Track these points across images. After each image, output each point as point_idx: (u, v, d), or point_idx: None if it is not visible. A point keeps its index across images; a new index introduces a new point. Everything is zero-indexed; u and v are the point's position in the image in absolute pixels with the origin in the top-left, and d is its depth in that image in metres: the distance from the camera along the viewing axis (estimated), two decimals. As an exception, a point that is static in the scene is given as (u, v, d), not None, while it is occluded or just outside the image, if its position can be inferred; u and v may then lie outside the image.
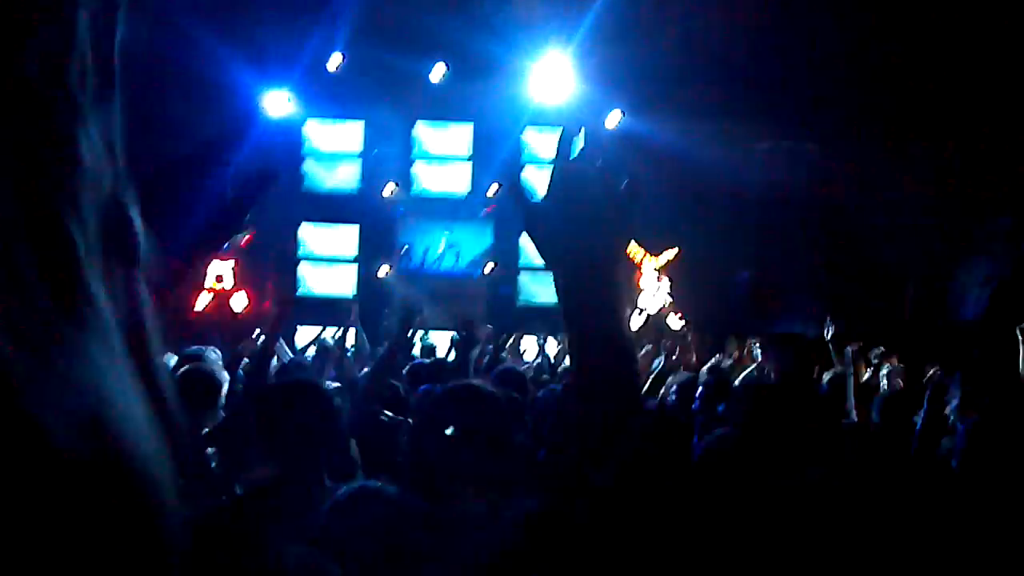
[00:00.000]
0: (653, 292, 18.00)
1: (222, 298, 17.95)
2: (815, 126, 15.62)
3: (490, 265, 18.09)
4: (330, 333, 10.51)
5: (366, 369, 7.14)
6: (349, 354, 9.68)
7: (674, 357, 7.48)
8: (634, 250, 17.90)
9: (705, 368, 7.49)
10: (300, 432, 3.16)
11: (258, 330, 9.19)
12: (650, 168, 16.24)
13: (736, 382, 6.68)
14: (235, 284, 18.07)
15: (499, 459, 2.58)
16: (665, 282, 17.88)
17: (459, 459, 2.53)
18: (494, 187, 18.07)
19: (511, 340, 10.47)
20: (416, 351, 10.59)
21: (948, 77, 13.71)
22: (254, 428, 3.23)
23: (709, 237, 16.20)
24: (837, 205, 15.56)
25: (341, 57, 17.80)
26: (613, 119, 18.16)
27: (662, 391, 6.45)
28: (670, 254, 17.81)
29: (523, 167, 18.39)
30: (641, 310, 17.96)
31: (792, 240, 15.78)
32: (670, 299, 17.97)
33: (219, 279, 18.03)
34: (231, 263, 17.99)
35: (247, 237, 17.72)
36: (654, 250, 17.84)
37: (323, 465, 3.19)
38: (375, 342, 15.21)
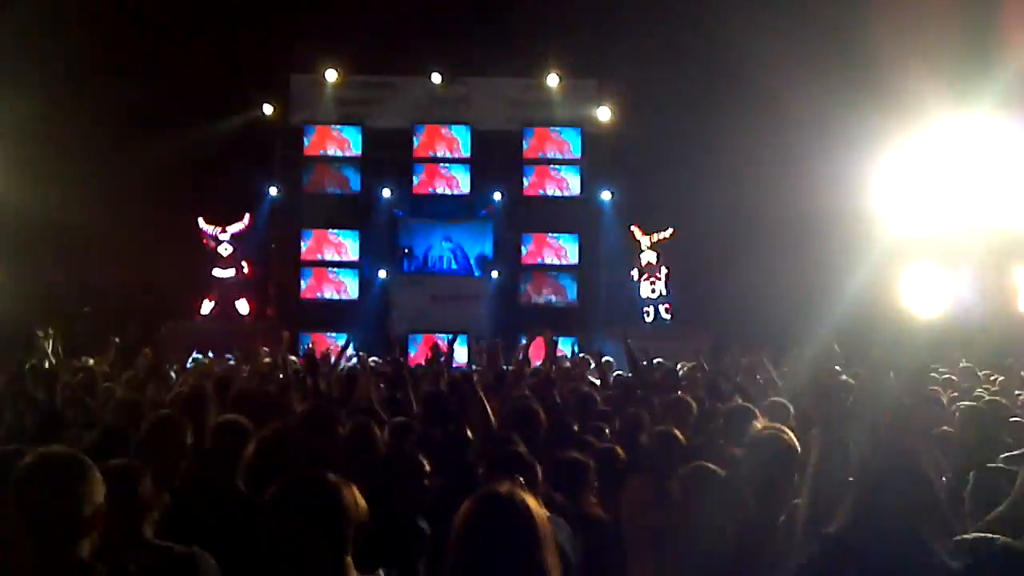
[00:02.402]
0: (651, 284, 18.12)
1: (225, 304, 18.10)
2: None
3: (495, 273, 18.21)
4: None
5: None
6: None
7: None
8: (636, 233, 18.14)
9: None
10: None
11: (265, 348, 9.39)
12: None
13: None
14: (237, 290, 18.19)
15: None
16: (663, 268, 18.01)
17: None
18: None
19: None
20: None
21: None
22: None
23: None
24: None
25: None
26: (604, 114, 18.32)
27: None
28: (665, 233, 17.98)
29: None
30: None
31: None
32: (665, 290, 18.08)
33: (221, 284, 18.17)
34: (232, 271, 18.11)
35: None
36: (651, 230, 18.02)
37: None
38: (379, 345, 15.40)
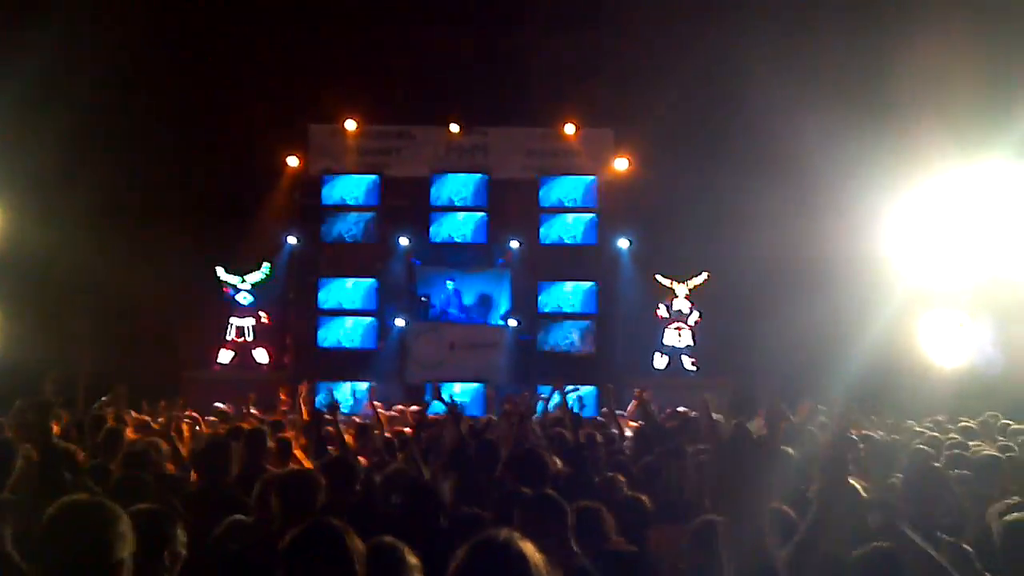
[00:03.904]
0: (678, 332, 18.10)
1: (244, 353, 18.18)
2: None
3: (512, 321, 18.21)
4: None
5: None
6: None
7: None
8: (664, 281, 18.14)
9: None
10: None
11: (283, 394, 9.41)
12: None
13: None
14: (255, 339, 18.29)
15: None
16: (695, 315, 17.99)
17: None
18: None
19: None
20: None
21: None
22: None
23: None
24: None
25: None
26: (620, 164, 18.46)
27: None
28: (699, 279, 17.99)
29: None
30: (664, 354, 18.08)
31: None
32: (692, 342, 18.05)
33: (239, 333, 18.27)
34: (251, 320, 18.23)
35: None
36: (683, 277, 18.05)
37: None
38: (397, 394, 15.36)
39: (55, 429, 5.71)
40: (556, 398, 9.63)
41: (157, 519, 3.20)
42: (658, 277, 18.11)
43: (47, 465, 5.26)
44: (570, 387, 8.79)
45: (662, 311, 18.17)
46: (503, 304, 18.60)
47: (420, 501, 4.39)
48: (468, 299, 18.58)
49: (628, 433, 8.39)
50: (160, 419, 7.85)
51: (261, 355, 18.18)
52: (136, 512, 3.00)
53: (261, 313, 18.30)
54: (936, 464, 5.42)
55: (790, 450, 5.27)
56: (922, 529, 3.51)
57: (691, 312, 18.15)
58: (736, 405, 10.99)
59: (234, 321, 18.20)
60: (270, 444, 6.04)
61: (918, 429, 8.64)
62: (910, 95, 13.09)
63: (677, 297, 18.18)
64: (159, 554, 3.10)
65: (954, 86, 12.72)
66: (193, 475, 5.24)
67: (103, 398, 9.11)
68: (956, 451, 6.53)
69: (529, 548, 2.18)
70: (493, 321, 18.49)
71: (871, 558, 3.13)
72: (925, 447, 6.17)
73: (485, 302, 18.62)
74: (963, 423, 9.14)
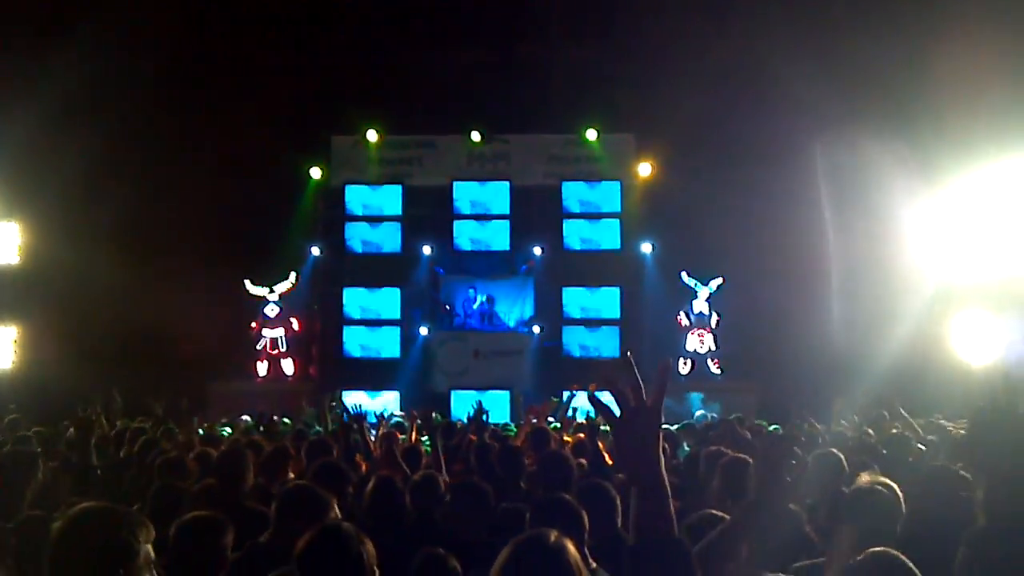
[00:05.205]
0: (699, 338, 18.02)
1: (277, 364, 18.29)
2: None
3: (536, 328, 18.19)
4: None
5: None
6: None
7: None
8: (688, 281, 18.08)
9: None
10: None
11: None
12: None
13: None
14: (288, 349, 18.39)
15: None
16: (715, 317, 17.91)
17: None
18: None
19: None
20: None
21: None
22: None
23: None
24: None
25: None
26: (644, 169, 18.42)
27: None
28: (716, 282, 17.94)
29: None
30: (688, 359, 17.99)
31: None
32: (714, 346, 17.97)
33: (272, 344, 18.37)
34: (281, 330, 18.32)
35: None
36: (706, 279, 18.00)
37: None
38: (420, 402, 15.37)
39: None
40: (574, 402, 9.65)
41: (209, 526, 3.36)
42: (684, 275, 18.04)
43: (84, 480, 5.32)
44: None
45: (683, 318, 18.10)
46: (527, 311, 18.59)
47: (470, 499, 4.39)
48: (492, 306, 18.58)
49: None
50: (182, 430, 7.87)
51: (288, 366, 18.27)
52: (191, 519, 3.33)
53: (292, 320, 18.39)
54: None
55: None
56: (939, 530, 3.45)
57: (711, 315, 18.07)
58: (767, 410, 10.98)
59: (266, 333, 18.30)
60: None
61: (950, 428, 8.53)
62: (940, 91, 12.95)
63: (697, 299, 18.11)
64: (210, 559, 3.28)
65: (983, 80, 12.56)
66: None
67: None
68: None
69: (571, 548, 2.16)
70: (517, 328, 18.48)
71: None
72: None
73: (509, 309, 18.61)
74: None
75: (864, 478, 3.67)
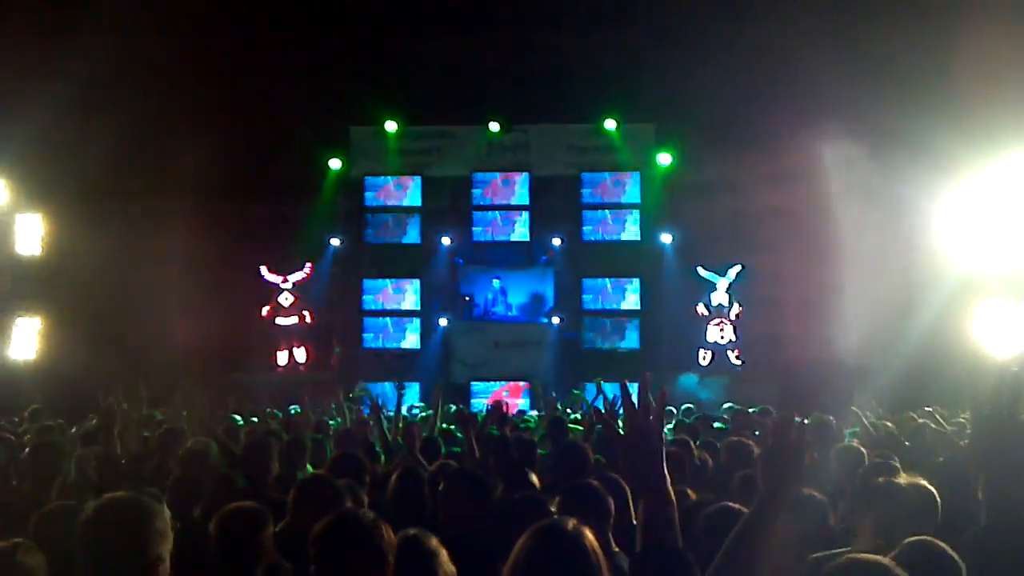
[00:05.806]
0: (720, 328, 17.95)
1: (288, 354, 18.39)
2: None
3: (556, 319, 18.16)
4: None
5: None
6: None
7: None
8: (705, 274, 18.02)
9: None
10: None
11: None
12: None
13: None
14: (299, 339, 18.48)
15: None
16: (735, 308, 17.83)
17: None
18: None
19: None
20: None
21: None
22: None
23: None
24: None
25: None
26: (664, 159, 18.35)
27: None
28: (734, 271, 17.88)
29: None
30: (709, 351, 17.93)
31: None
32: (734, 336, 17.90)
33: (284, 333, 18.46)
34: (295, 319, 18.38)
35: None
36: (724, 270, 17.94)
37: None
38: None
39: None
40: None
41: (252, 516, 3.37)
42: (700, 270, 17.98)
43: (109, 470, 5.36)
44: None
45: (701, 309, 18.04)
46: (547, 302, 18.58)
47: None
48: (512, 297, 18.57)
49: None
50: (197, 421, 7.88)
51: (300, 355, 18.35)
52: (233, 509, 3.35)
53: (306, 312, 18.46)
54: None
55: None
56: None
57: (731, 306, 18.00)
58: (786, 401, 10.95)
59: (280, 321, 18.38)
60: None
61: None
62: (964, 80, 12.81)
63: (716, 291, 18.04)
64: (252, 548, 3.30)
65: (1009, 68, 12.43)
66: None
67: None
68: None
69: (589, 535, 2.17)
70: (537, 319, 18.46)
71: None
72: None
73: (529, 300, 18.60)
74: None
75: (903, 478, 3.68)
